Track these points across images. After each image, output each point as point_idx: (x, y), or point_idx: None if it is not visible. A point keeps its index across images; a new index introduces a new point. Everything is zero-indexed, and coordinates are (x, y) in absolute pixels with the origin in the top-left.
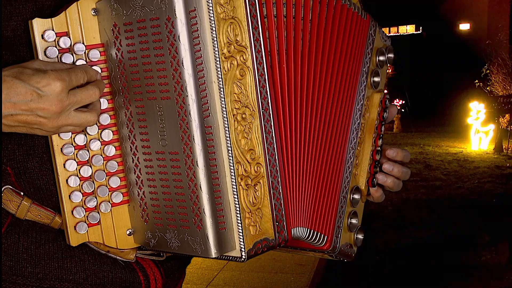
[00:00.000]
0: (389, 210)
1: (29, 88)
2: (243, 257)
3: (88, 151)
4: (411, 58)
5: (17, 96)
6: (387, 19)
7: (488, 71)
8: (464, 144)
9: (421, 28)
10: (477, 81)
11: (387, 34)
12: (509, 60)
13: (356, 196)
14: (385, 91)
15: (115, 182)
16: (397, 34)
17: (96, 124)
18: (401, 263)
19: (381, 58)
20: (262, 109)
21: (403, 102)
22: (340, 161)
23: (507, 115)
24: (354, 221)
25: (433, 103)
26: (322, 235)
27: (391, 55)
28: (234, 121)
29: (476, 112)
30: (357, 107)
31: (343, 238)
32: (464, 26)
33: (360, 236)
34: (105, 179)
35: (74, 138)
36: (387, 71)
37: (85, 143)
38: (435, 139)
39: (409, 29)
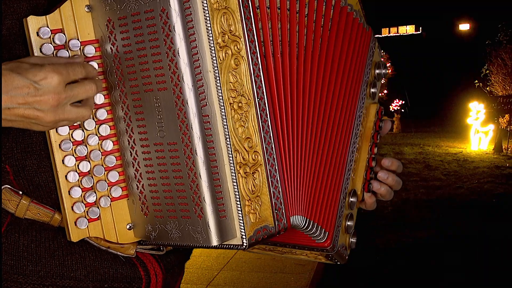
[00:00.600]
0: (389, 210)
1: (26, 82)
2: (245, 244)
3: (86, 146)
4: (411, 58)
5: (14, 89)
6: (387, 20)
7: (487, 71)
8: (463, 144)
9: (421, 28)
10: (476, 81)
11: (388, 36)
12: (508, 60)
13: (353, 199)
14: (386, 90)
15: (114, 176)
16: (397, 34)
17: (93, 119)
18: (401, 263)
19: (378, 71)
20: (257, 98)
21: (403, 102)
22: (342, 161)
23: (506, 115)
24: (350, 223)
25: (433, 103)
26: (323, 229)
27: (385, 71)
28: (231, 109)
29: (476, 112)
30: (358, 114)
31: (340, 238)
32: (464, 27)
33: (354, 240)
34: (104, 173)
35: (72, 134)
36: (388, 71)
37: (83, 138)
38: (435, 139)
39: (409, 29)
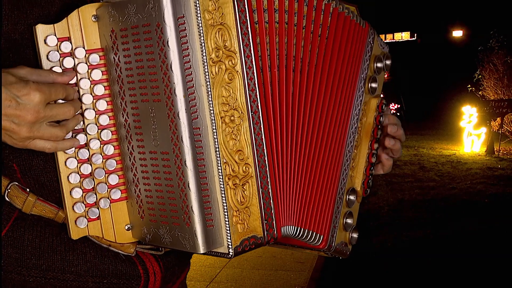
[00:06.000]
0: (385, 210)
1: (9, 95)
2: (230, 253)
3: (88, 150)
4: (406, 64)
5: None
6: (383, 27)
7: (480, 76)
8: (457, 146)
9: (415, 35)
10: (469, 85)
11: (384, 41)
12: (500, 65)
13: (352, 197)
14: (382, 96)
15: (113, 179)
16: (392, 40)
17: (96, 124)
18: (397, 262)
19: (379, 64)
20: (251, 112)
21: (399, 106)
22: (336, 164)
23: (498, 119)
24: (349, 221)
25: (427, 107)
26: (317, 234)
27: (388, 62)
28: (222, 123)
29: (469, 115)
30: (355, 112)
31: (338, 237)
32: (457, 33)
33: (355, 235)
34: (104, 176)
35: (75, 137)
36: (384, 76)
37: (85, 142)
38: (429, 142)
39: (404, 36)
